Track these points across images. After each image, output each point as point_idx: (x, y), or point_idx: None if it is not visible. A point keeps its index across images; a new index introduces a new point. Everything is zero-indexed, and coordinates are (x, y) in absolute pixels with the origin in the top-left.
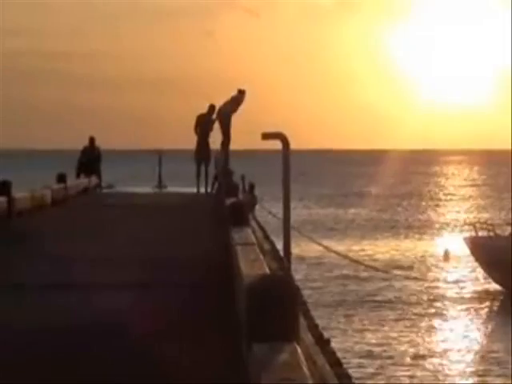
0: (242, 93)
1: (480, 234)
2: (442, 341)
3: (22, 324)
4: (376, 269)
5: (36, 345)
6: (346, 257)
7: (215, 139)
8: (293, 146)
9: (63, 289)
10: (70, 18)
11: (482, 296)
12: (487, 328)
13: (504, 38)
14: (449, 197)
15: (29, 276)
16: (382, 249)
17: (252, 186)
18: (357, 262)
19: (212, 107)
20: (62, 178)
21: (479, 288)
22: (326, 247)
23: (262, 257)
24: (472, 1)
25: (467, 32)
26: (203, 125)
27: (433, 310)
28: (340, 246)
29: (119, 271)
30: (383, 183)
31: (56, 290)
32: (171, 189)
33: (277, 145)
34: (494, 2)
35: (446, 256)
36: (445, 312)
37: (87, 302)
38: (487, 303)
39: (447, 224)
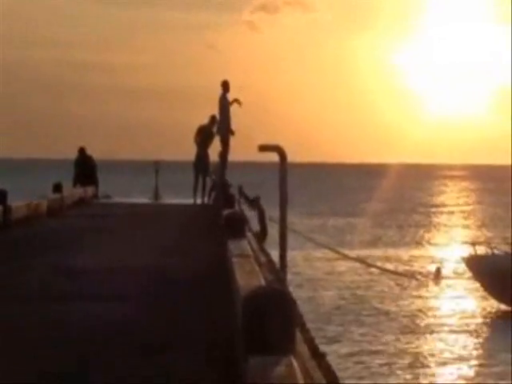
0: (223, 86)
1: (479, 252)
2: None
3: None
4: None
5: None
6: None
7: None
8: (291, 158)
9: (58, 299)
10: (77, 29)
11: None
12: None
13: (509, 53)
14: (445, 212)
15: (23, 287)
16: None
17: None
18: (374, 266)
19: (213, 118)
20: (58, 188)
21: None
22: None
23: (257, 268)
24: (480, 15)
25: (473, 47)
26: (204, 135)
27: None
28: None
29: (108, 282)
30: (381, 199)
31: (51, 300)
32: (167, 200)
33: (275, 157)
34: (499, 18)
35: (438, 274)
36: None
37: (82, 312)
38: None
39: (443, 241)
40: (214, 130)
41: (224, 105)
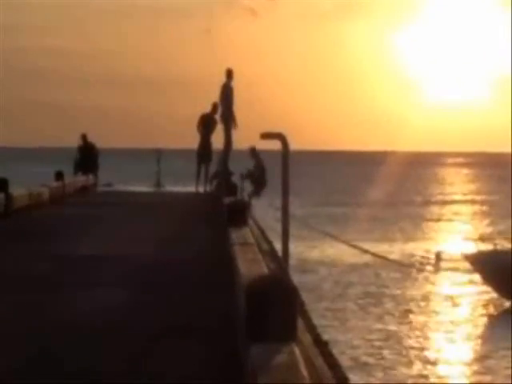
0: (227, 74)
1: (482, 248)
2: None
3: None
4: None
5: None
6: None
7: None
8: (294, 146)
9: (59, 286)
10: (70, 16)
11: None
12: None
13: (509, 41)
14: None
15: (26, 273)
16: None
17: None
18: (381, 257)
19: (215, 106)
20: (59, 176)
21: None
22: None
23: (260, 257)
24: (482, 1)
25: (475, 33)
26: (206, 124)
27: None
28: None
29: (112, 270)
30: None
31: (52, 287)
32: (169, 188)
33: (277, 145)
34: (501, 4)
35: (438, 260)
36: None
37: (83, 299)
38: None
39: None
40: (217, 117)
41: (227, 93)
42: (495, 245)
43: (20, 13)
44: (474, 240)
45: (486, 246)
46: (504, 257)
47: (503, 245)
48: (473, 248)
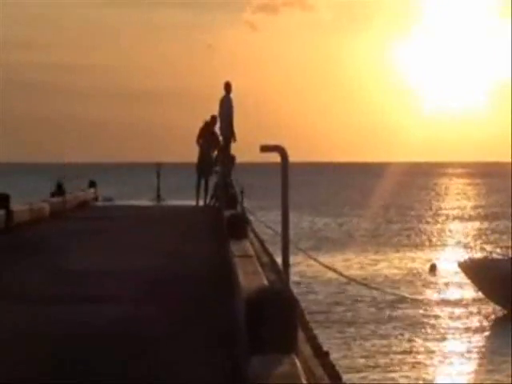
0: (226, 87)
1: (476, 256)
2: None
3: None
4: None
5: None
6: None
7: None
8: (293, 158)
9: (61, 301)
10: (69, 30)
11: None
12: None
13: (510, 48)
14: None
15: (27, 288)
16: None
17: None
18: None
19: (214, 118)
20: (60, 188)
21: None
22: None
23: (260, 269)
24: (478, 11)
25: (473, 43)
26: (206, 136)
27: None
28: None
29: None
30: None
31: (54, 302)
32: (169, 201)
33: (277, 157)
34: (498, 13)
35: (433, 271)
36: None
37: (84, 314)
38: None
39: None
40: (216, 130)
41: (227, 106)
42: (489, 253)
43: (18, 27)
44: (468, 249)
45: (480, 254)
46: (496, 264)
47: (496, 253)
48: (466, 256)
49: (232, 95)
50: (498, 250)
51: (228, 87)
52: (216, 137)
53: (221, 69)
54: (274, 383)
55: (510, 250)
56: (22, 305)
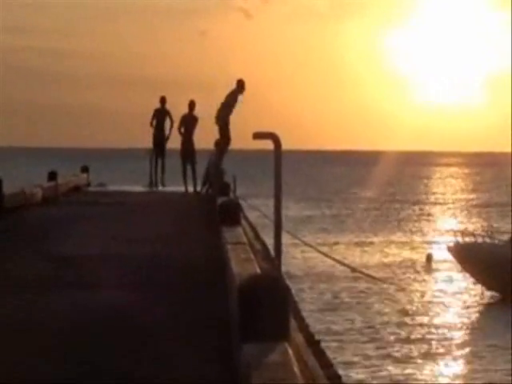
0: (238, 84)
1: (465, 240)
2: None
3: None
4: (373, 277)
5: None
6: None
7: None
8: (286, 146)
9: (52, 286)
10: (63, 17)
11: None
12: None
13: (503, 40)
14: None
15: (16, 273)
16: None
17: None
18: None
19: (192, 103)
20: (52, 176)
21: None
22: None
23: (253, 256)
24: (470, 4)
25: (466, 34)
26: (187, 124)
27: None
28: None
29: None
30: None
31: (43, 287)
32: (162, 188)
33: (271, 145)
34: (493, 4)
35: (429, 261)
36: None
37: (76, 300)
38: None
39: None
40: (196, 114)
41: (231, 103)
42: (477, 237)
43: (18, 14)
44: (458, 233)
45: (468, 239)
46: (484, 248)
47: (485, 238)
48: (455, 240)
49: (241, 97)
50: (486, 234)
51: (241, 85)
52: (196, 120)
53: (214, 56)
54: (267, 371)
55: (497, 235)
56: (8, 289)
